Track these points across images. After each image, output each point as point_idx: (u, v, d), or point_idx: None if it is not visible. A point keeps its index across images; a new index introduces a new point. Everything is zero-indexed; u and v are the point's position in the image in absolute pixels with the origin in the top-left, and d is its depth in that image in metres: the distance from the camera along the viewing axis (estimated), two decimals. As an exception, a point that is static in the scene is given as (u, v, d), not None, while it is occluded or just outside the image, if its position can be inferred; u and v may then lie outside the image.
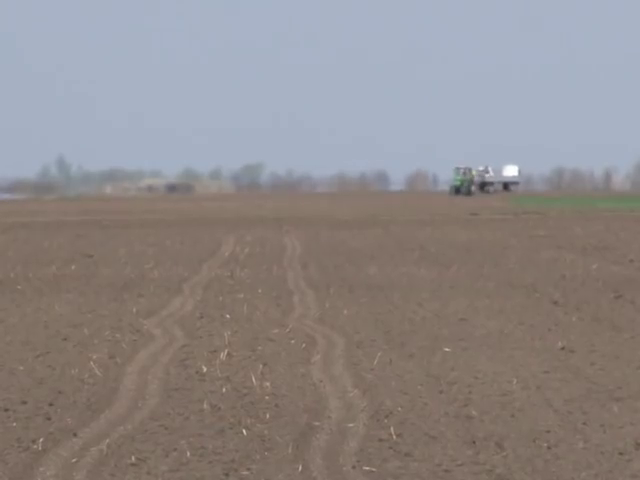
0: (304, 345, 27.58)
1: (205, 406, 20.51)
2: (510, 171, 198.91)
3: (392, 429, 18.58)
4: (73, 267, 51.91)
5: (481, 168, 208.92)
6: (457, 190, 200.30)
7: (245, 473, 16.01)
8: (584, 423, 18.99)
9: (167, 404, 20.77)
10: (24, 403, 20.73)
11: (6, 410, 20.11)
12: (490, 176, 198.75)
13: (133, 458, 16.79)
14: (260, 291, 40.66)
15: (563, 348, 26.62)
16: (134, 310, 34.61)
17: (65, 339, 28.81)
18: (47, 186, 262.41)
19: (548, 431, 18.41)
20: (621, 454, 16.86)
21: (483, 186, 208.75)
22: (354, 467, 16.28)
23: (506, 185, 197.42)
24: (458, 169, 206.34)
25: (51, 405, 20.61)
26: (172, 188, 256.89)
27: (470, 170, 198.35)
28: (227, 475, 15.97)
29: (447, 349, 26.63)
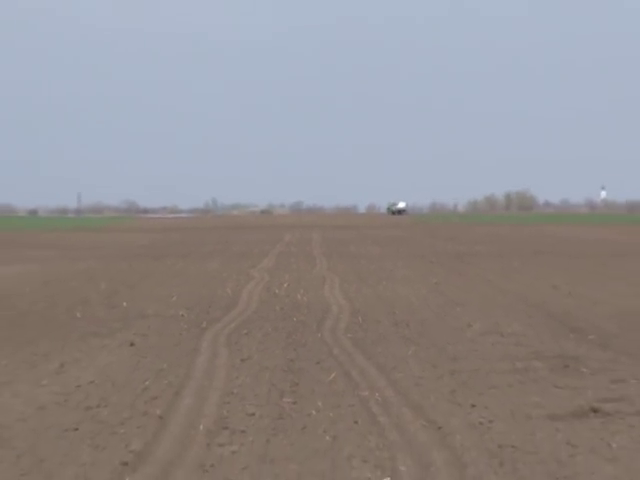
0: (321, 281, 27.62)
1: (277, 308, 20.38)
2: (401, 204, 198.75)
3: (360, 318, 18.53)
4: (218, 247, 51.67)
5: (396, 202, 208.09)
6: (391, 212, 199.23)
7: (295, 337, 15.97)
8: (444, 315, 18.92)
9: (261, 307, 20.61)
10: (196, 309, 20.65)
11: (188, 309, 20.02)
12: (395, 207, 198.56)
13: (245, 331, 16.84)
14: (301, 257, 40.54)
15: (436, 283, 26.59)
16: (245, 265, 34.57)
17: (213, 278, 28.62)
18: (206, 211, 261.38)
19: (427, 319, 18.39)
20: (461, 329, 16.89)
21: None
22: (343, 334, 16.33)
23: (400, 212, 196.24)
24: (390, 202, 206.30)
25: (209, 307, 20.57)
26: (263, 212, 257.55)
27: (395, 203, 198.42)
28: (287, 338, 15.93)
29: (384, 283, 26.55)
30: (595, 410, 10.33)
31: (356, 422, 9.91)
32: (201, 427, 9.72)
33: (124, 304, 21.44)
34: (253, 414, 10.31)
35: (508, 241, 57.63)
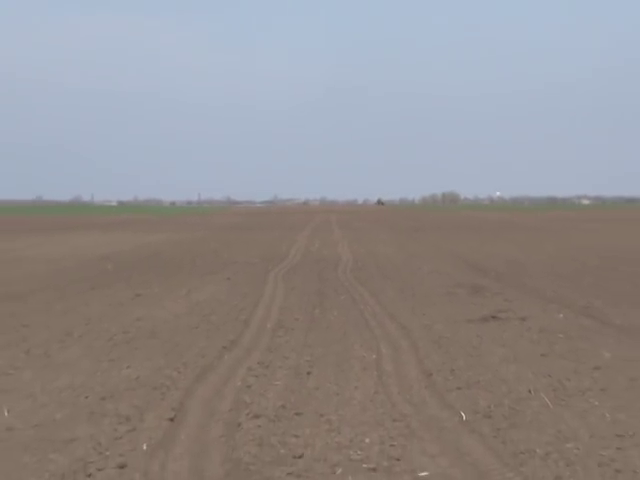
0: (336, 243, 27.45)
1: (311, 259, 20.37)
2: (382, 199, 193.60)
3: (359, 264, 18.39)
4: (277, 223, 51.54)
5: (378, 197, 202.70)
6: (379, 204, 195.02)
7: (321, 275, 15.91)
8: (407, 263, 18.81)
9: (302, 258, 20.46)
10: (265, 259, 20.59)
11: (260, 259, 19.95)
12: (380, 201, 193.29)
13: (293, 272, 16.73)
14: (325, 229, 40.46)
15: (401, 246, 26.48)
16: (293, 234, 34.50)
17: (274, 241, 28.45)
18: (271, 202, 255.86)
19: (397, 265, 18.28)
20: (416, 270, 16.77)
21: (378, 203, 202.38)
22: (349, 274, 16.21)
23: (381, 203, 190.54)
24: (378, 198, 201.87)
25: (272, 258, 20.40)
26: (304, 203, 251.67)
27: (380, 199, 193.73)
28: (317, 276, 15.85)
29: (373, 244, 26.33)
30: (494, 317, 10.29)
31: (357, 324, 9.90)
32: (268, 326, 9.74)
33: (224, 256, 21.44)
34: (297, 319, 10.31)
35: (443, 221, 57.41)
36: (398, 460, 4.74)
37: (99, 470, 4.61)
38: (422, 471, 4.55)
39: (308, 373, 7.18)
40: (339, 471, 4.57)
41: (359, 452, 4.89)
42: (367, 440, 5.12)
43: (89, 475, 4.53)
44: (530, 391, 6.42)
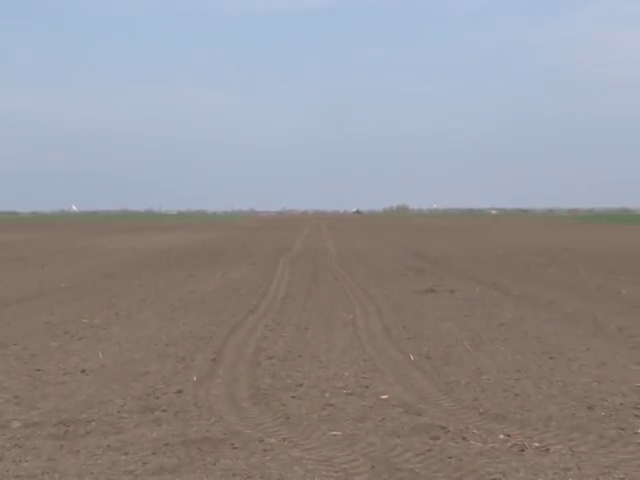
0: (325, 239, 27.24)
1: (308, 250, 19.96)
2: (358, 209, 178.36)
3: (341, 254, 18.10)
4: (284, 225, 50.39)
5: (356, 208, 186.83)
6: (357, 213, 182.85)
7: (315, 261, 15.58)
8: (374, 253, 18.48)
9: (302, 250, 20.01)
10: (276, 250, 20.24)
11: (273, 250, 19.48)
12: (355, 211, 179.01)
13: (295, 259, 16.42)
14: (317, 230, 39.99)
15: (369, 242, 26.23)
16: (295, 233, 34.03)
17: (283, 238, 27.91)
18: (282, 212, 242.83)
19: (367, 254, 17.90)
20: (380, 258, 16.61)
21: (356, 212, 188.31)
22: (334, 260, 15.94)
23: (358, 212, 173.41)
24: (357, 209, 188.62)
25: (281, 250, 19.96)
26: (303, 212, 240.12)
27: (359, 209, 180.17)
28: (312, 262, 15.53)
29: (350, 240, 26.06)
30: (432, 290, 10.20)
31: (339, 295, 9.79)
32: (279, 296, 9.66)
33: (249, 248, 21.11)
34: (299, 291, 10.20)
35: (398, 225, 56.97)
36: (367, 387, 4.67)
37: (164, 394, 4.58)
38: (383, 395, 4.51)
39: (306, 328, 7.10)
40: (327, 395, 4.50)
41: (340, 382, 4.80)
42: (346, 374, 5.03)
43: (157, 397, 4.51)
44: (457, 340, 6.38)
